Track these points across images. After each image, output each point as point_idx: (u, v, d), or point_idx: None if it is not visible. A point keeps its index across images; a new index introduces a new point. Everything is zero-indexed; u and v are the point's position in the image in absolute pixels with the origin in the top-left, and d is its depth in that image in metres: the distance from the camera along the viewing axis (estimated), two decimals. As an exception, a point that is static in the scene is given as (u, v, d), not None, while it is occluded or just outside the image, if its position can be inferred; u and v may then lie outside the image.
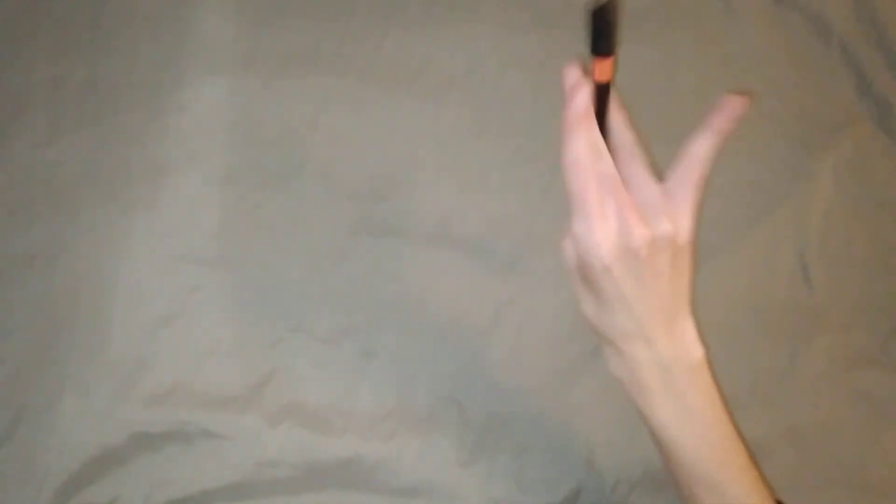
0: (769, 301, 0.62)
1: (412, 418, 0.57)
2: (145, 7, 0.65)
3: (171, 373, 0.56)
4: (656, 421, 0.43)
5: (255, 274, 0.59)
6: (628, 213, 0.38)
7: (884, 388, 0.60)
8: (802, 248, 0.63)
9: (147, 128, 0.62)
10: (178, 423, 0.55)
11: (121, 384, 0.55)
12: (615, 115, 0.42)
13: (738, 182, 0.65)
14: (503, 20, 0.67)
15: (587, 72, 0.41)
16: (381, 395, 0.57)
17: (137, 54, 0.64)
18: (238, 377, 0.57)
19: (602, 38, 0.42)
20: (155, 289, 0.58)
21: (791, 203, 0.64)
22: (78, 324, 0.57)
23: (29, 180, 0.60)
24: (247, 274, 0.59)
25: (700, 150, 0.42)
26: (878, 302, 0.63)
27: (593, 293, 0.41)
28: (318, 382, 0.57)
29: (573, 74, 0.41)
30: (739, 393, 0.59)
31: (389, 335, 0.58)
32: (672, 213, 0.41)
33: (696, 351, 0.44)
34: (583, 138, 0.38)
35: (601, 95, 0.41)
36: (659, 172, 0.44)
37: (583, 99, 0.38)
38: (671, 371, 0.42)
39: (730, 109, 0.42)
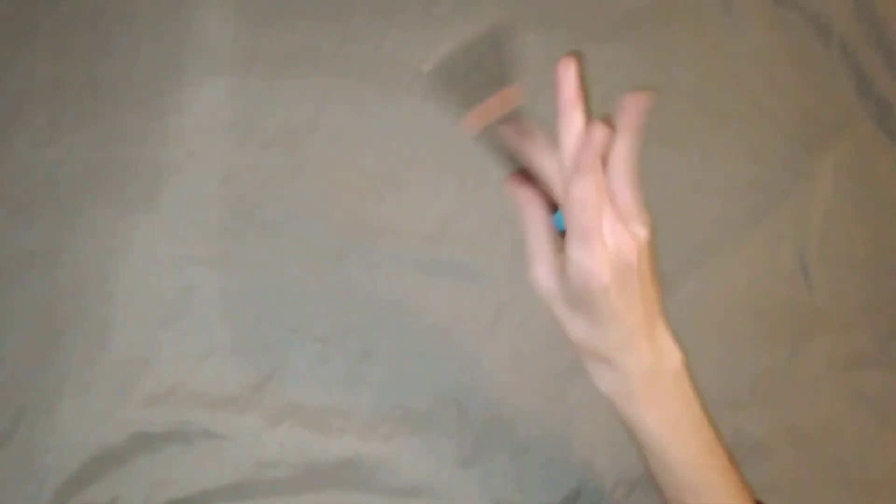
0: (769, 301, 0.62)
1: (412, 418, 0.57)
2: (145, 7, 0.66)
3: (171, 373, 0.56)
4: (646, 429, 0.43)
5: (255, 274, 0.59)
6: (621, 228, 0.38)
7: (884, 388, 0.60)
8: (802, 248, 0.63)
9: (147, 128, 0.62)
10: (178, 423, 0.55)
11: (121, 384, 0.55)
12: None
13: (738, 182, 0.65)
14: (503, 20, 0.67)
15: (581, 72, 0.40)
16: (381, 395, 0.57)
17: (137, 54, 0.64)
18: (238, 377, 0.57)
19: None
20: (155, 289, 0.58)
21: (791, 203, 0.64)
22: (78, 324, 0.57)
23: (29, 180, 0.60)
24: (247, 274, 0.59)
25: (620, 153, 0.40)
26: (878, 302, 0.63)
27: (585, 314, 0.40)
28: (318, 382, 0.57)
29: (570, 87, 0.40)
30: (739, 393, 0.59)
31: (389, 335, 0.58)
32: (642, 216, 0.41)
33: (677, 354, 0.44)
34: (594, 178, 0.37)
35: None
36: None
37: (600, 137, 0.37)
38: (659, 376, 0.43)
39: (634, 106, 0.40)
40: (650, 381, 0.43)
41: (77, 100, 0.63)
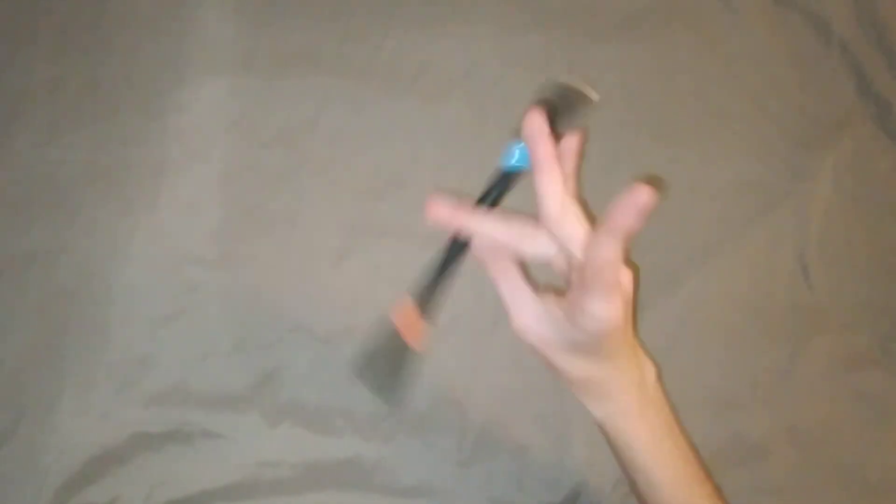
0: (769, 301, 0.62)
1: (412, 418, 0.57)
2: (145, 7, 0.66)
3: (171, 373, 0.56)
4: (638, 446, 0.44)
5: (255, 274, 0.59)
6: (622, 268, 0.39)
7: (884, 388, 0.60)
8: (802, 248, 0.63)
9: (147, 128, 0.62)
10: (178, 423, 0.55)
11: (121, 384, 0.55)
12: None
13: (738, 182, 0.65)
14: (503, 20, 0.67)
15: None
16: (381, 395, 0.57)
17: (137, 54, 0.64)
18: (238, 377, 0.57)
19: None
20: (155, 289, 0.58)
21: (791, 203, 0.64)
22: (78, 324, 0.57)
23: (29, 180, 0.60)
24: (247, 274, 0.59)
25: (602, 254, 0.37)
26: (878, 302, 0.63)
27: (588, 354, 0.41)
28: (318, 382, 0.57)
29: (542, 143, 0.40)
30: (739, 393, 0.59)
31: (389, 335, 0.58)
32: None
33: (651, 366, 0.46)
34: (618, 243, 0.36)
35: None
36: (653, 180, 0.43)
37: (629, 217, 0.36)
38: (645, 390, 0.44)
39: (634, 203, 0.35)
40: (639, 396, 0.44)
41: (77, 100, 0.63)
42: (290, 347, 0.58)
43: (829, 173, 0.65)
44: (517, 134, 0.40)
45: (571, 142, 0.41)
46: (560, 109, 0.40)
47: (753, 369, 0.60)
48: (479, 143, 0.64)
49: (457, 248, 0.42)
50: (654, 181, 0.37)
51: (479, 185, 0.63)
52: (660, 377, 0.45)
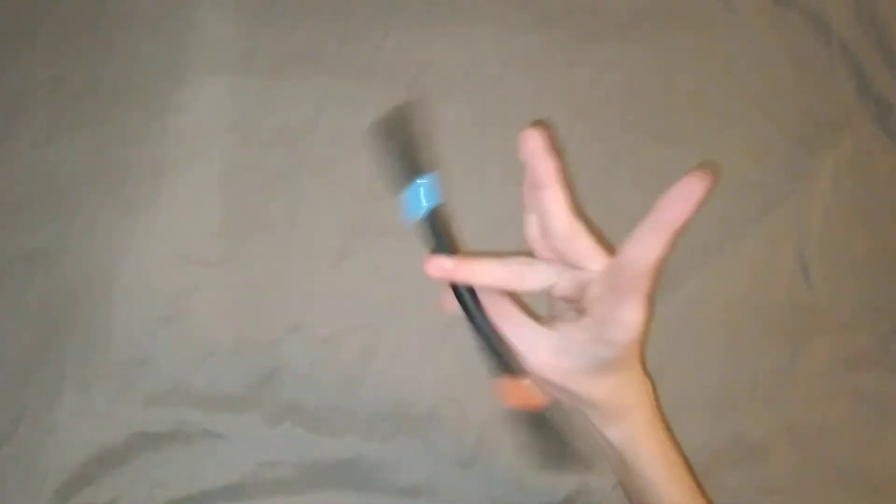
0: (769, 301, 0.62)
1: (412, 418, 0.57)
2: (145, 7, 0.66)
3: (171, 373, 0.56)
4: (648, 464, 0.43)
5: (255, 274, 0.59)
6: None
7: (884, 388, 0.60)
8: (802, 248, 0.63)
9: (147, 128, 0.62)
10: (177, 423, 0.55)
11: (121, 384, 0.55)
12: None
13: (738, 182, 0.65)
14: (503, 20, 0.67)
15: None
16: (381, 395, 0.57)
17: (137, 54, 0.64)
18: (238, 377, 0.57)
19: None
20: (155, 289, 0.58)
21: (791, 203, 0.64)
22: (78, 324, 0.57)
23: (29, 180, 0.60)
24: (247, 274, 0.59)
25: (645, 254, 0.35)
26: (878, 302, 0.63)
27: (614, 371, 0.40)
28: (318, 382, 0.57)
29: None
30: (739, 393, 0.59)
31: (389, 335, 0.58)
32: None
33: (647, 378, 0.45)
34: (665, 241, 0.35)
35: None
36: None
37: (653, 249, 0.35)
38: (651, 401, 0.44)
39: (687, 193, 0.34)
40: (650, 409, 0.43)
41: (77, 100, 0.63)
42: (290, 347, 0.58)
43: (829, 173, 0.65)
44: (409, 174, 0.39)
45: (532, 142, 0.40)
46: (401, 135, 0.40)
47: (753, 369, 0.60)
48: (479, 143, 0.64)
49: (471, 301, 0.40)
50: (709, 166, 0.35)
51: (480, 185, 0.63)
52: (654, 388, 0.45)
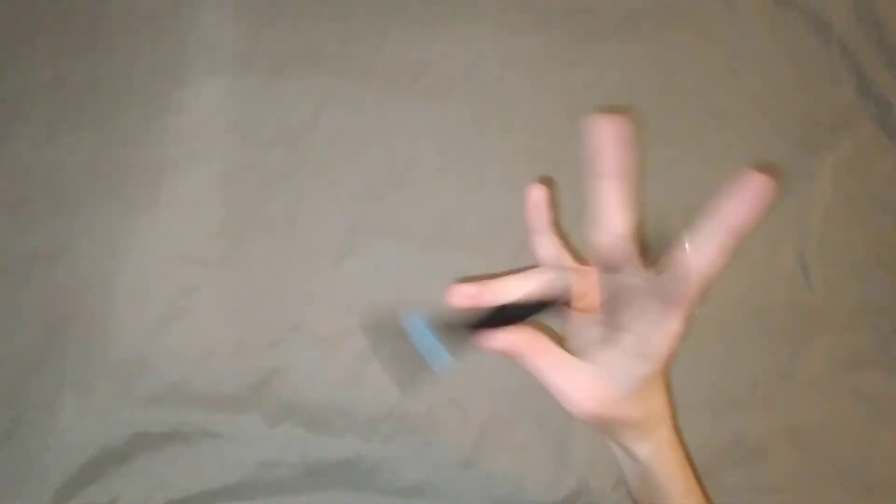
0: (769, 301, 0.62)
1: (412, 418, 0.57)
2: (145, 7, 0.65)
3: (171, 373, 0.56)
4: (674, 477, 0.42)
5: (255, 274, 0.59)
6: None
7: (884, 388, 0.60)
8: (802, 248, 0.63)
9: (147, 128, 0.62)
10: (178, 423, 0.55)
11: (121, 384, 0.55)
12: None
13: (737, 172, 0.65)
14: (503, 20, 0.67)
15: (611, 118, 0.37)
16: (381, 395, 0.57)
17: (137, 54, 0.64)
18: (238, 377, 0.57)
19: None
20: (155, 289, 0.58)
21: (791, 203, 0.64)
22: (78, 324, 0.57)
23: (29, 180, 0.60)
24: (247, 274, 0.59)
25: (703, 265, 0.33)
26: (878, 302, 0.63)
27: (652, 387, 0.39)
28: (318, 382, 0.57)
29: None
30: (739, 393, 0.59)
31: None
32: None
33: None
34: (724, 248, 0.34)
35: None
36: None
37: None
38: (672, 412, 0.43)
39: (748, 194, 0.31)
40: (671, 419, 0.42)
41: (77, 100, 0.63)
42: (290, 347, 0.58)
43: (829, 173, 0.65)
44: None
45: (537, 193, 0.40)
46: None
47: (753, 369, 0.60)
48: (479, 143, 0.64)
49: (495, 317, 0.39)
50: (770, 169, 0.32)
51: (480, 185, 0.63)
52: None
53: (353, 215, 0.61)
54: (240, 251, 0.60)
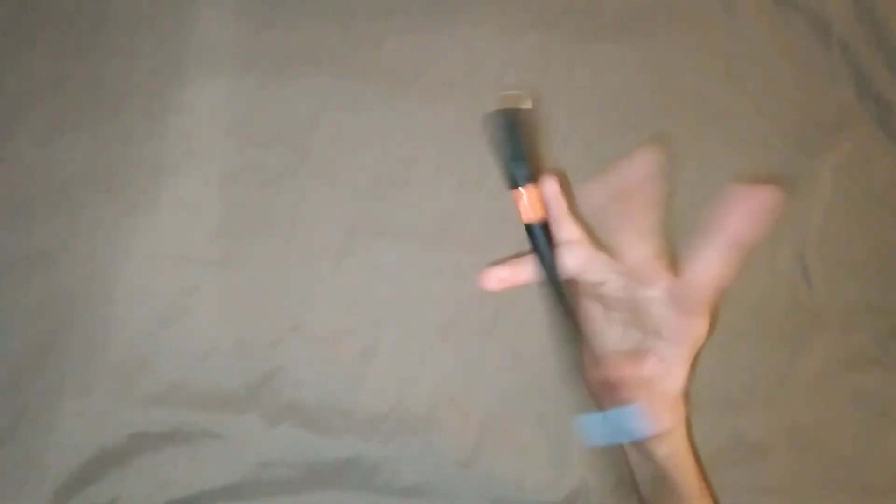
0: (769, 301, 0.62)
1: (412, 418, 0.57)
2: (146, 7, 0.66)
3: (171, 373, 0.56)
4: (689, 473, 0.42)
5: (255, 274, 0.59)
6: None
7: (884, 388, 0.60)
8: (802, 248, 0.63)
9: (147, 128, 0.62)
10: (177, 423, 0.55)
11: (121, 384, 0.55)
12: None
13: (738, 182, 0.65)
14: (503, 20, 0.67)
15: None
16: (381, 395, 0.57)
17: (138, 54, 0.64)
18: (238, 377, 0.57)
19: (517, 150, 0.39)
20: (155, 289, 0.58)
21: (791, 203, 0.64)
22: (78, 324, 0.57)
23: (29, 180, 0.60)
24: (247, 274, 0.59)
25: (706, 275, 0.34)
26: (878, 302, 0.63)
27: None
28: (318, 382, 0.57)
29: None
30: (739, 393, 0.59)
31: (389, 335, 0.58)
32: None
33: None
34: (726, 260, 0.35)
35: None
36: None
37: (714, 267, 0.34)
38: (686, 412, 0.43)
39: (750, 206, 0.32)
40: (685, 419, 0.43)
41: (77, 100, 0.63)
42: (290, 347, 0.58)
43: (828, 173, 0.65)
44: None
45: (551, 187, 0.40)
46: (513, 136, 0.40)
47: (753, 369, 0.60)
48: (479, 143, 0.64)
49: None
50: (775, 180, 0.33)
51: (480, 185, 0.63)
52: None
53: (353, 215, 0.61)
54: (240, 251, 0.60)
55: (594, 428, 0.37)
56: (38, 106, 0.62)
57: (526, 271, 0.39)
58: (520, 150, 0.39)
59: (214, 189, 0.61)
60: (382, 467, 0.55)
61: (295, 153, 0.62)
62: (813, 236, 0.64)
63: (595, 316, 0.41)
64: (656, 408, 0.38)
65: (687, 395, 0.43)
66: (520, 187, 0.38)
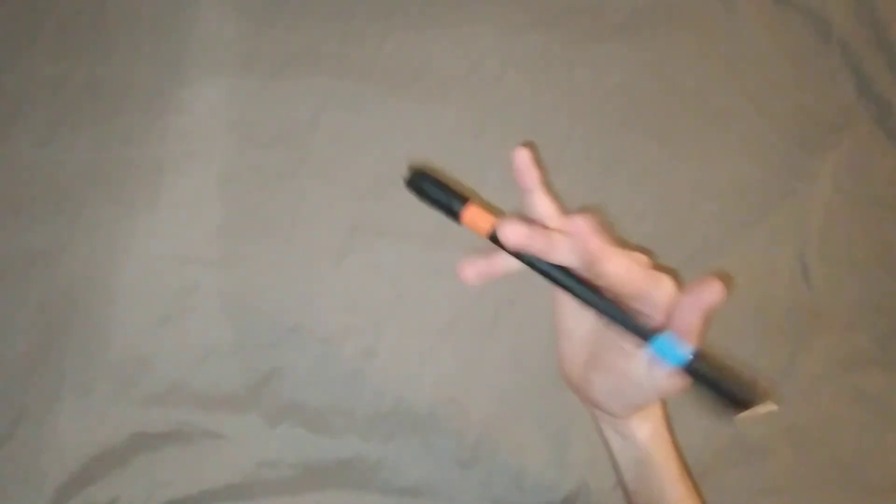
0: (769, 301, 0.62)
1: (412, 418, 0.57)
2: (146, 8, 0.66)
3: (171, 373, 0.56)
4: (663, 460, 0.43)
5: (255, 274, 0.59)
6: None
7: (884, 388, 0.60)
8: (802, 248, 0.63)
9: (147, 128, 0.62)
10: (177, 423, 0.55)
11: (120, 384, 0.55)
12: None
13: (738, 182, 0.65)
14: (503, 20, 0.67)
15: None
16: (381, 395, 0.57)
17: (138, 54, 0.64)
18: (238, 377, 0.57)
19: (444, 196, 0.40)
20: (155, 289, 0.58)
21: (791, 203, 0.64)
22: (78, 324, 0.57)
23: (29, 180, 0.60)
24: (247, 274, 0.59)
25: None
26: (878, 302, 0.63)
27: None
28: (318, 382, 0.57)
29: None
30: (739, 393, 0.59)
31: (389, 335, 0.58)
32: None
33: None
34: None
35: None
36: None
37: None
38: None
39: (699, 302, 0.33)
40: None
41: (77, 100, 0.63)
42: (290, 347, 0.58)
43: (828, 173, 0.65)
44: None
45: (522, 158, 0.40)
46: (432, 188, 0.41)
47: (753, 369, 0.60)
48: (479, 143, 0.64)
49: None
50: (724, 277, 0.36)
51: (480, 185, 0.63)
52: None
53: (353, 215, 0.61)
54: (240, 251, 0.60)
55: (664, 350, 0.36)
56: (38, 106, 0.62)
57: (501, 261, 0.39)
58: (444, 193, 0.41)
59: (214, 189, 0.61)
60: (382, 467, 0.55)
61: (295, 153, 0.62)
62: (813, 236, 0.64)
63: (565, 308, 0.41)
64: (633, 387, 0.38)
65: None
66: (462, 215, 0.39)
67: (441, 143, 0.63)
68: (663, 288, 0.35)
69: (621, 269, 0.34)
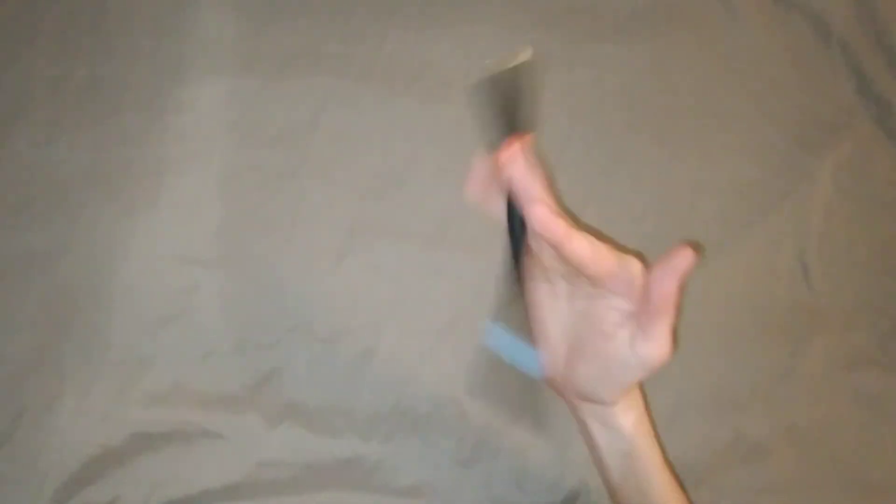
0: (769, 301, 0.62)
1: (412, 418, 0.57)
2: (146, 7, 0.66)
3: (171, 373, 0.56)
4: (647, 450, 0.44)
5: (255, 274, 0.59)
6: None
7: (884, 388, 0.60)
8: (802, 248, 0.63)
9: (147, 128, 0.62)
10: (177, 423, 0.55)
11: (121, 384, 0.55)
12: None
13: (738, 182, 0.65)
14: (503, 20, 0.67)
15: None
16: (381, 395, 0.57)
17: (138, 54, 0.64)
18: (238, 377, 0.57)
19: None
20: (155, 289, 0.58)
21: (791, 203, 0.64)
22: (78, 324, 0.57)
23: (29, 180, 0.60)
24: (247, 274, 0.59)
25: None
26: (878, 302, 0.63)
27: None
28: (318, 382, 0.57)
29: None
30: (739, 393, 0.59)
31: (389, 335, 0.58)
32: None
33: None
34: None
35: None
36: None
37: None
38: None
39: (671, 270, 0.35)
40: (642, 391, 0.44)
41: (77, 100, 0.63)
42: (290, 347, 0.58)
43: (828, 173, 0.65)
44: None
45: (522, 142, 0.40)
46: (510, 95, 0.40)
47: (753, 369, 0.60)
48: (479, 143, 0.64)
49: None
50: (696, 246, 0.36)
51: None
52: None
53: (353, 215, 0.61)
54: (240, 251, 0.60)
55: (496, 338, 0.38)
56: (38, 106, 0.62)
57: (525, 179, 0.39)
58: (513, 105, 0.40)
59: (214, 189, 0.61)
60: (382, 467, 0.55)
61: (295, 153, 0.62)
62: (813, 236, 0.64)
63: (543, 301, 0.42)
64: (619, 366, 0.39)
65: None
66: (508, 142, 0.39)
67: (441, 143, 0.63)
68: (631, 267, 0.36)
69: (586, 250, 0.35)
